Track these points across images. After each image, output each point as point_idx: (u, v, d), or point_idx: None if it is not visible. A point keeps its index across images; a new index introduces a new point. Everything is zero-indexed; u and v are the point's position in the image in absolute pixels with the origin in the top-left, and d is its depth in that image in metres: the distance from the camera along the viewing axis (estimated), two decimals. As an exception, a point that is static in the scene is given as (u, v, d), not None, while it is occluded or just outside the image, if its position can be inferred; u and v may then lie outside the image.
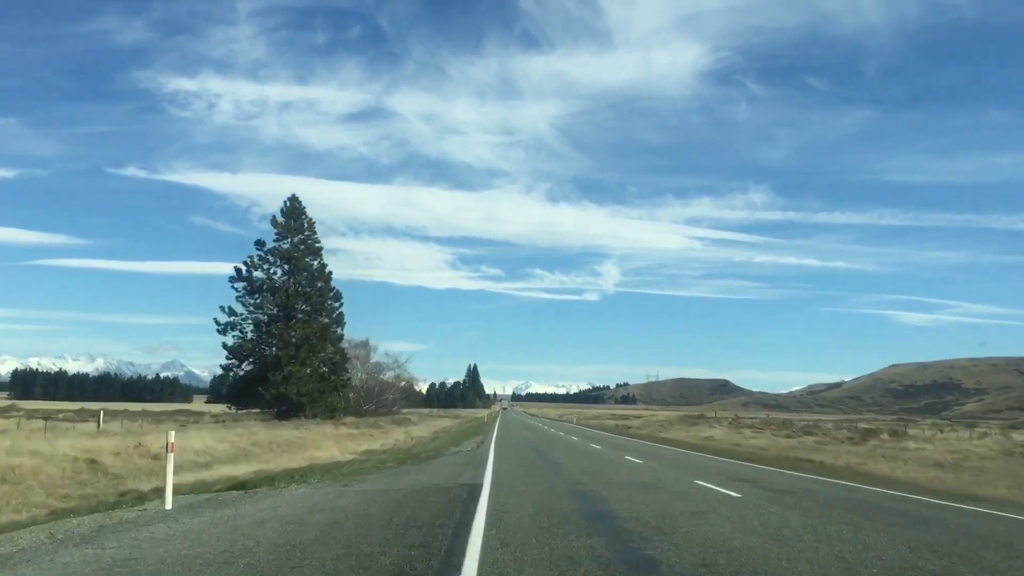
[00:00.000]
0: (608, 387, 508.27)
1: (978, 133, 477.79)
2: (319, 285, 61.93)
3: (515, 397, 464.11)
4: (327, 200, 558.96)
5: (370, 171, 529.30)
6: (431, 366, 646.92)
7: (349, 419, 65.46)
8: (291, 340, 59.23)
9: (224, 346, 59.06)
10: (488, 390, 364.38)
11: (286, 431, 46.14)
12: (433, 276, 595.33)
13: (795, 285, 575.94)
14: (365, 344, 80.00)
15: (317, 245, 62.42)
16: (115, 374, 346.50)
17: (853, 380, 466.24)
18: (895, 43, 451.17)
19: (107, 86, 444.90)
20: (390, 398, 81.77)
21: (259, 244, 61.37)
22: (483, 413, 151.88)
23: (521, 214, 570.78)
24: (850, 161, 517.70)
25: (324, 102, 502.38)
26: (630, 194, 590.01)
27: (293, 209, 61.89)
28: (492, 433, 54.91)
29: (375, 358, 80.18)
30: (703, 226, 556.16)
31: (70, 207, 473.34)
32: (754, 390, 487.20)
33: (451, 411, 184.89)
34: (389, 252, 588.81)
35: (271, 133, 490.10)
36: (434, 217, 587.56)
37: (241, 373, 60.19)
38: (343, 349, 64.71)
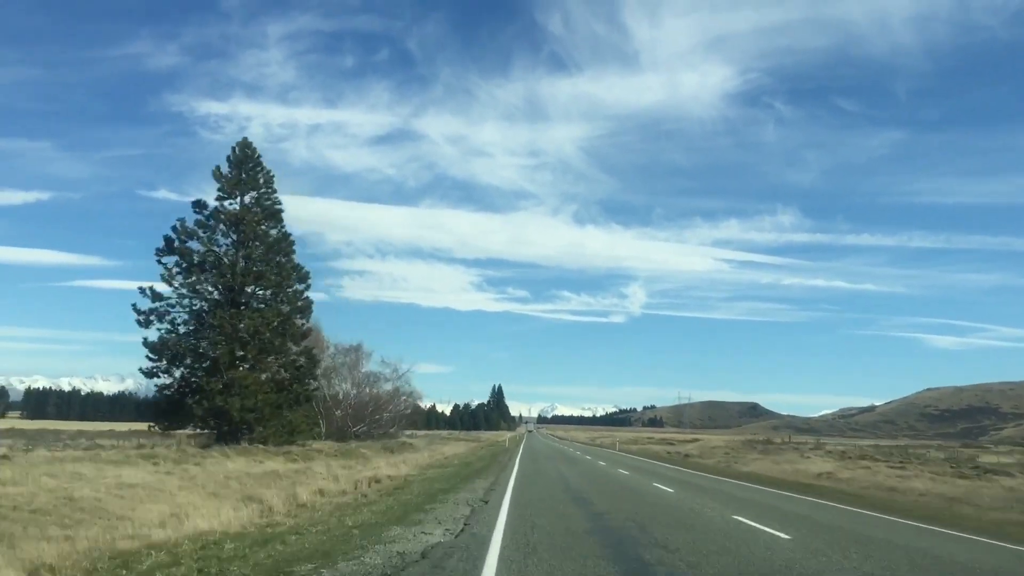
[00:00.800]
0: (635, 409, 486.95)
1: (1010, 155, 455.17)
2: (279, 261, 44.07)
3: (541, 419, 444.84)
4: (355, 222, 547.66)
5: (397, 193, 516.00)
6: (457, 388, 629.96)
7: (323, 445, 47.27)
8: (237, 334, 41.45)
9: (145, 343, 41.32)
10: (514, 412, 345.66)
11: (195, 465, 28.76)
12: (459, 298, 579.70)
13: (823, 308, 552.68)
14: (356, 350, 62.05)
15: (277, 207, 44.55)
16: (131, 393, 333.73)
17: (886, 404, 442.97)
18: (926, 64, 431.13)
19: (139, 109, 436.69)
20: (386, 417, 63.37)
21: (198, 206, 43.75)
22: (506, 436, 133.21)
23: (548, 236, 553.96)
24: (880, 183, 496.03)
25: (352, 125, 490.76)
26: (657, 216, 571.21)
27: (245, 157, 44.15)
28: (512, 467, 36.51)
29: (367, 366, 61.96)
30: (730, 248, 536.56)
31: (103, 229, 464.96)
32: (784, 413, 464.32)
33: (473, 433, 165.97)
34: (415, 274, 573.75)
35: (300, 155, 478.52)
36: (460, 239, 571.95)
37: (169, 380, 42.33)
38: (311, 351, 46.53)
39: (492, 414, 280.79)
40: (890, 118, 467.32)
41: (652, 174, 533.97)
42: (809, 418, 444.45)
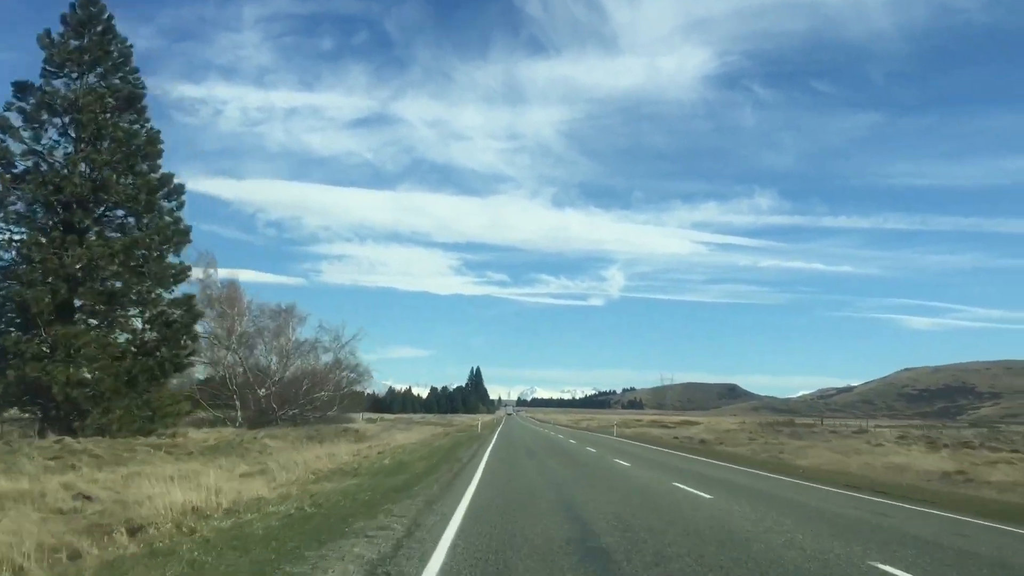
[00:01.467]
0: (614, 392, 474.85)
1: (985, 137, 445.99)
2: (139, 169, 29.45)
3: (520, 402, 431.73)
4: (332, 206, 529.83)
5: (376, 177, 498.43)
6: (436, 372, 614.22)
7: (214, 434, 32.82)
8: (64, 271, 26.92)
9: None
10: (493, 395, 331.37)
11: None
12: (438, 282, 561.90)
13: (801, 289, 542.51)
14: (286, 312, 47.51)
15: (138, 90, 29.87)
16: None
17: (864, 384, 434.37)
18: (902, 47, 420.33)
19: None
20: (324, 397, 48.76)
21: (21, 89, 28.92)
22: (480, 420, 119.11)
23: (527, 219, 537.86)
24: (856, 165, 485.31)
25: (330, 108, 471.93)
26: (636, 199, 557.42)
27: (89, 17, 29.32)
28: (474, 471, 21.85)
29: (300, 333, 47.45)
30: (709, 231, 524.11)
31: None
32: (762, 394, 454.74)
33: (448, 417, 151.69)
34: (394, 258, 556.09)
35: (277, 139, 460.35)
36: (439, 223, 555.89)
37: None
38: (192, 300, 31.64)
39: (470, 397, 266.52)
40: (866, 101, 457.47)
41: (631, 157, 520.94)
42: (788, 399, 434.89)
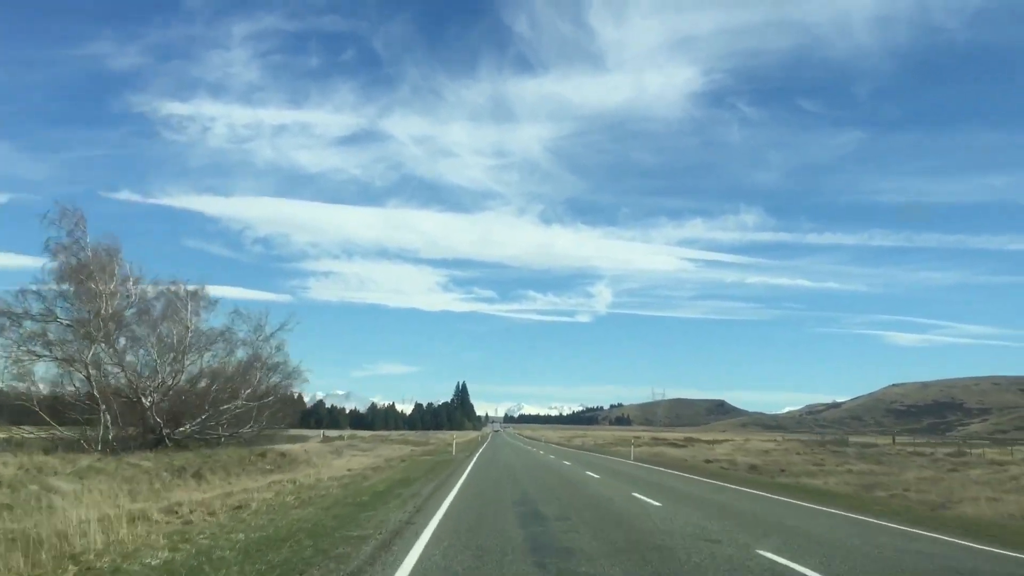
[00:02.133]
0: (602, 408, 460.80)
1: (969, 154, 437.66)
2: None
3: (507, 419, 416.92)
4: (320, 223, 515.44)
5: (364, 194, 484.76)
6: (424, 389, 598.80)
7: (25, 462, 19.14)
8: None
9: None
10: (480, 412, 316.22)
11: None
12: (426, 299, 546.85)
13: (787, 306, 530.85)
14: (193, 294, 33.85)
15: None
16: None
17: (852, 400, 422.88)
18: (887, 65, 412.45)
19: (101, 110, 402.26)
20: (239, 407, 34.69)
21: None
22: (459, 439, 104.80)
23: (514, 236, 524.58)
24: (842, 182, 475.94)
25: (318, 125, 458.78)
26: (623, 216, 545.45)
27: None
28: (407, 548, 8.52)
29: (206, 321, 33.72)
30: (695, 247, 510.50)
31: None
32: (750, 410, 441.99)
33: (430, 434, 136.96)
34: (382, 275, 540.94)
35: (265, 156, 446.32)
36: (427, 239, 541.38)
37: None
38: None
39: (456, 413, 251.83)
40: (852, 118, 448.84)
41: (618, 174, 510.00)
42: (776, 415, 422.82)
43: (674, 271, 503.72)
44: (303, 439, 57.79)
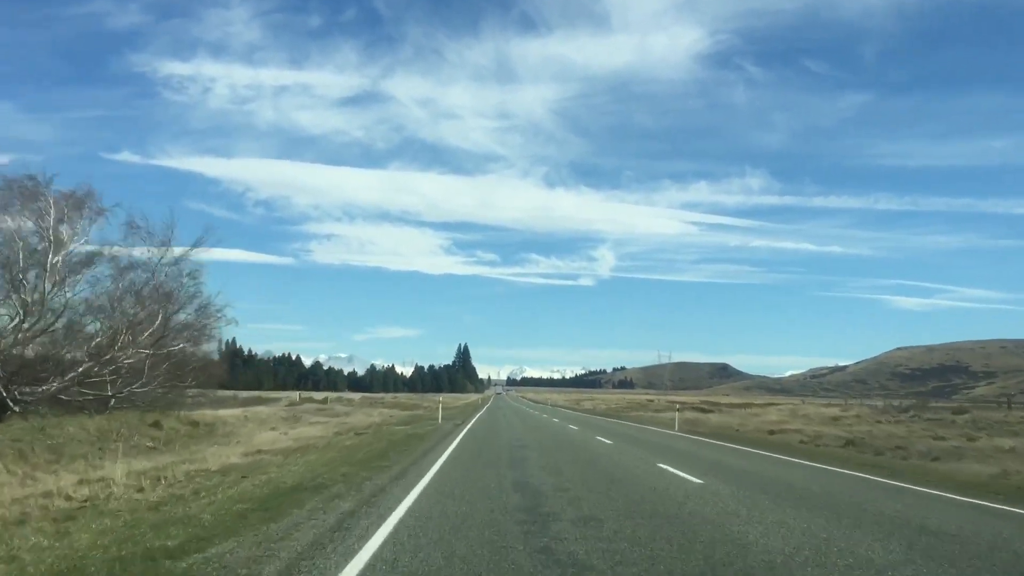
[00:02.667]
0: (604, 371, 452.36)
1: (976, 117, 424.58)
2: None
3: (510, 382, 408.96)
4: (322, 185, 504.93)
5: (366, 156, 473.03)
6: (426, 352, 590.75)
7: None
8: None
9: None
10: (482, 375, 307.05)
11: None
12: (428, 261, 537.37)
13: (791, 270, 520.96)
14: (68, 198, 23.02)
15: None
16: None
17: (856, 363, 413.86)
18: (894, 26, 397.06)
19: (101, 70, 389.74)
20: (130, 358, 24.04)
21: None
22: (464, 401, 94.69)
23: (517, 199, 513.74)
24: (847, 145, 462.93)
25: (319, 86, 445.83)
26: (627, 179, 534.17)
27: None
28: None
29: (90, 234, 22.86)
30: (699, 211, 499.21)
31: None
32: (754, 374, 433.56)
33: (426, 397, 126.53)
34: (384, 237, 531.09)
35: (266, 117, 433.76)
36: (430, 202, 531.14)
37: None
38: None
39: (457, 376, 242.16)
40: (858, 80, 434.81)
41: (622, 136, 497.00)
42: (780, 378, 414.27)
43: (678, 235, 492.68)
44: (261, 401, 47.53)
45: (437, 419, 33.42)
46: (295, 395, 69.67)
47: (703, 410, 67.21)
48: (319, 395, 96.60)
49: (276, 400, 54.10)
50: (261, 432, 25.48)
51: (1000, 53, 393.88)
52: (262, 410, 35.55)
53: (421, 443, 19.40)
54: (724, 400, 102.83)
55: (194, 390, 33.20)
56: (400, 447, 18.02)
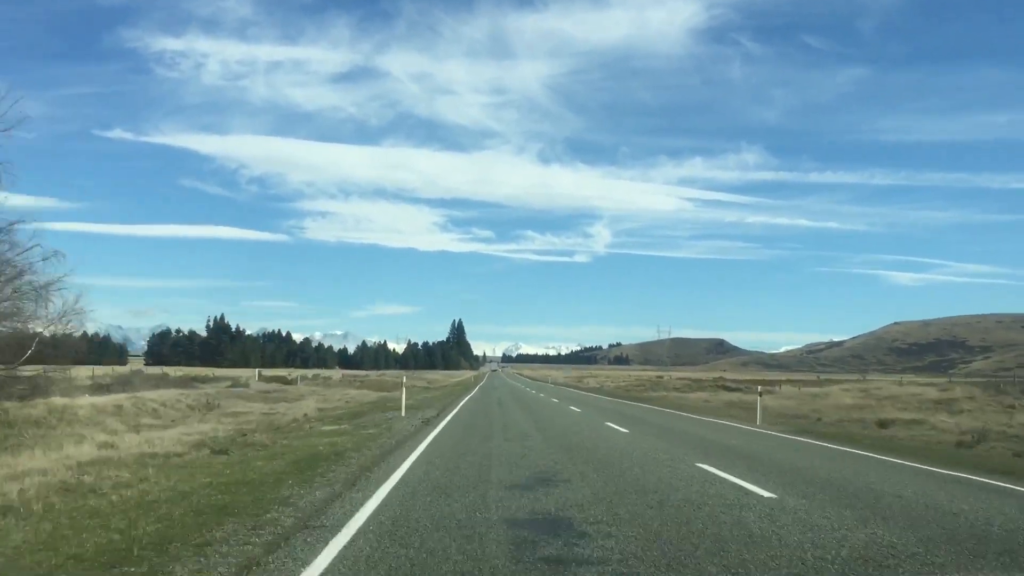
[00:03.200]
0: (600, 347, 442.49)
1: (973, 92, 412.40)
2: None
3: (505, 358, 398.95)
4: (317, 162, 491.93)
5: (360, 132, 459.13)
6: (423, 329, 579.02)
7: None
8: None
9: None
10: (477, 351, 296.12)
11: None
12: (424, 238, 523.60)
13: (787, 245, 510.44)
14: None
15: None
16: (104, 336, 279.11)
17: (853, 339, 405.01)
18: (892, 0, 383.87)
19: (92, 46, 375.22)
20: None
21: None
22: (454, 379, 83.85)
23: (513, 175, 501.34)
24: (844, 121, 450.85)
25: (313, 62, 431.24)
26: (623, 155, 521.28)
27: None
28: None
29: None
30: (695, 187, 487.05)
31: (58, 170, 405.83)
32: (750, 349, 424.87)
33: (417, 374, 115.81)
34: (379, 214, 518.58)
35: (259, 94, 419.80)
36: (425, 179, 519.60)
37: None
38: None
39: (451, 352, 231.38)
40: (856, 55, 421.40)
41: (618, 112, 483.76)
42: (776, 354, 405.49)
43: (674, 211, 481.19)
44: (206, 382, 36.55)
45: (400, 410, 22.46)
46: (255, 373, 58.77)
47: (729, 388, 56.59)
48: (298, 372, 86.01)
49: (219, 380, 43.18)
50: (94, 435, 14.63)
51: (999, 28, 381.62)
52: (160, 396, 24.80)
53: (307, 484, 8.48)
54: (751, 378, 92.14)
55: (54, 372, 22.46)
56: (247, 505, 7.07)
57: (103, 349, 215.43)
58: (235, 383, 40.32)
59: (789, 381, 67.45)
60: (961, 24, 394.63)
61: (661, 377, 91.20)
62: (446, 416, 21.97)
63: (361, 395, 40.47)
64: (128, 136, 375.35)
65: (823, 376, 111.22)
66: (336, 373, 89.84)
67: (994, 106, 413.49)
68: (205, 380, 44.39)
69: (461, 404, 30.06)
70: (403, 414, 21.48)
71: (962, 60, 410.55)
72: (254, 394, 34.07)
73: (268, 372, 67.60)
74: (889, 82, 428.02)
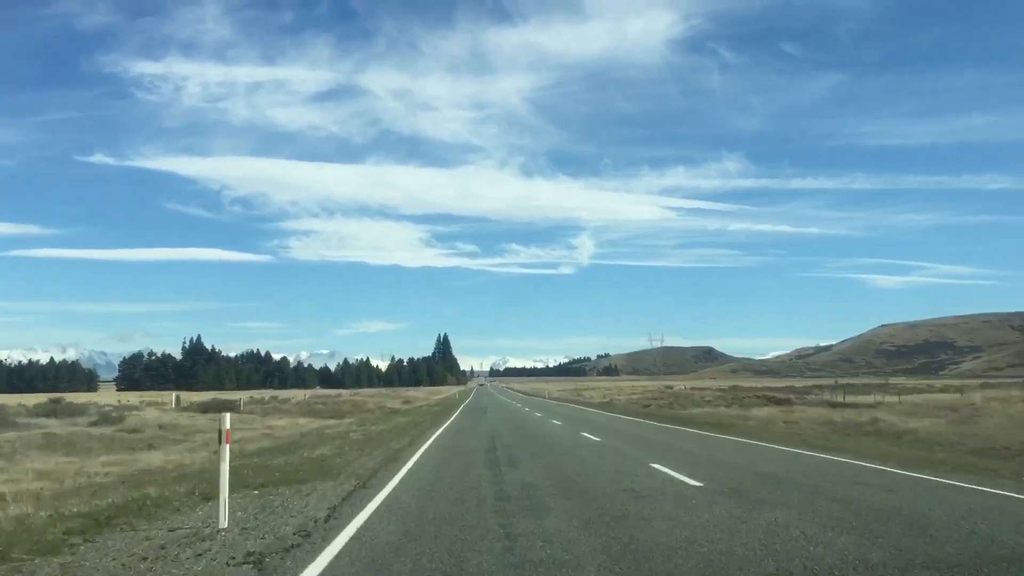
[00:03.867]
0: (589, 359, 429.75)
1: (950, 95, 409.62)
2: None
3: (493, 373, 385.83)
4: (300, 181, 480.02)
5: (343, 150, 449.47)
6: (408, 345, 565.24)
7: None
8: None
9: None
10: (464, 366, 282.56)
11: None
12: (408, 255, 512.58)
13: (770, 252, 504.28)
14: None
15: None
16: (73, 362, 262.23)
17: (841, 343, 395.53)
18: (868, 6, 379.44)
19: (72, 71, 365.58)
20: None
21: None
22: (437, 396, 70.65)
23: (496, 189, 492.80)
24: (824, 126, 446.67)
25: (294, 82, 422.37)
26: (605, 166, 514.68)
27: None
28: None
29: None
30: (678, 196, 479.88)
31: (39, 196, 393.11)
32: (738, 356, 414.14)
33: (398, 391, 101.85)
34: (364, 232, 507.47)
35: (240, 115, 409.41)
36: (408, 195, 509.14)
37: None
38: None
39: (437, 368, 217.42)
40: (834, 61, 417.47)
41: (599, 124, 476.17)
42: (765, 359, 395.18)
43: (657, 220, 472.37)
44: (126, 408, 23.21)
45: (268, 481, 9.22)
46: (172, 396, 45.35)
47: (771, 401, 43.75)
48: (261, 394, 72.72)
49: (78, 412, 29.82)
50: None
51: (975, 31, 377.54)
52: None
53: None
54: (766, 385, 79.43)
55: None
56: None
57: (72, 375, 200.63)
58: (102, 416, 26.62)
59: (815, 388, 54.40)
60: (935, 29, 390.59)
61: (671, 387, 78.09)
62: (370, 501, 8.52)
63: (291, 425, 27.16)
64: (109, 160, 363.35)
65: (842, 381, 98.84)
66: (300, 394, 76.07)
67: (972, 108, 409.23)
68: (124, 408, 30.74)
69: (422, 449, 16.34)
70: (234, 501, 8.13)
71: (938, 64, 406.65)
72: (66, 437, 20.53)
73: (205, 396, 53.87)
74: (866, 87, 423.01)
